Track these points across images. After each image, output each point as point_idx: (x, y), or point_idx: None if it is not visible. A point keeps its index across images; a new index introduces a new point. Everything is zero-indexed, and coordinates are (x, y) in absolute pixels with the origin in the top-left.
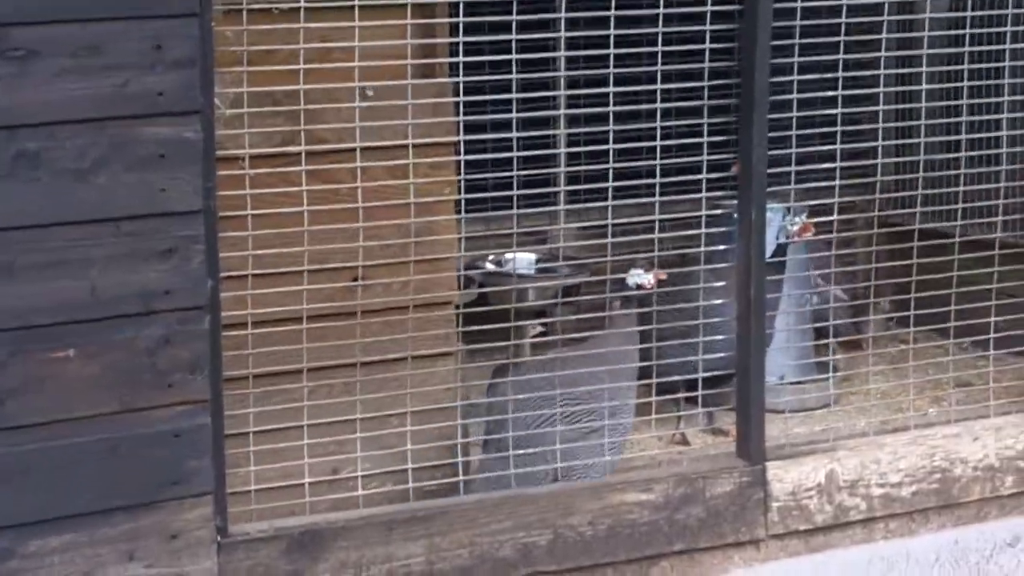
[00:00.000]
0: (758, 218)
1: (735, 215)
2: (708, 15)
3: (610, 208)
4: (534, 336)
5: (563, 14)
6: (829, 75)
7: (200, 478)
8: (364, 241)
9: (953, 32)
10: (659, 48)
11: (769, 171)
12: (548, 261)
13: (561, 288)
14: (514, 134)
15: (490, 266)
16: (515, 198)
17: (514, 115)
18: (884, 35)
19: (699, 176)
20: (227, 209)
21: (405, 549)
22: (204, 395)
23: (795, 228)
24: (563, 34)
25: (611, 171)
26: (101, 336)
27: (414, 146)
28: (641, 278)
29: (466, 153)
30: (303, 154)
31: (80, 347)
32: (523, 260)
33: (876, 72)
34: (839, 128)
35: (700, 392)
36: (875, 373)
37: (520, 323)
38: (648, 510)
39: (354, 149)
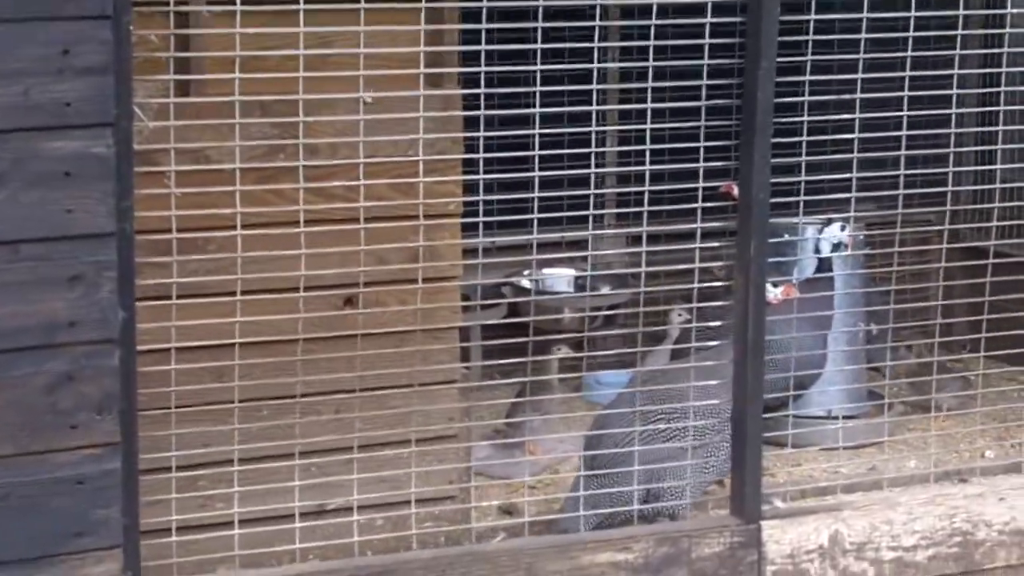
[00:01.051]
0: (757, 252)
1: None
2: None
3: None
4: (560, 358)
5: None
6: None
7: (107, 529)
8: (361, 259)
9: None
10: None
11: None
12: (587, 278)
13: (604, 307)
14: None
15: (524, 282)
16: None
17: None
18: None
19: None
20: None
21: None
22: (113, 437)
23: (837, 240)
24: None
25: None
26: None
27: (417, 160)
28: (769, 293)
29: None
30: (236, 171)
31: None
32: (561, 276)
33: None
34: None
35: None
36: (936, 408)
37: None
38: (625, 572)
39: (351, 162)
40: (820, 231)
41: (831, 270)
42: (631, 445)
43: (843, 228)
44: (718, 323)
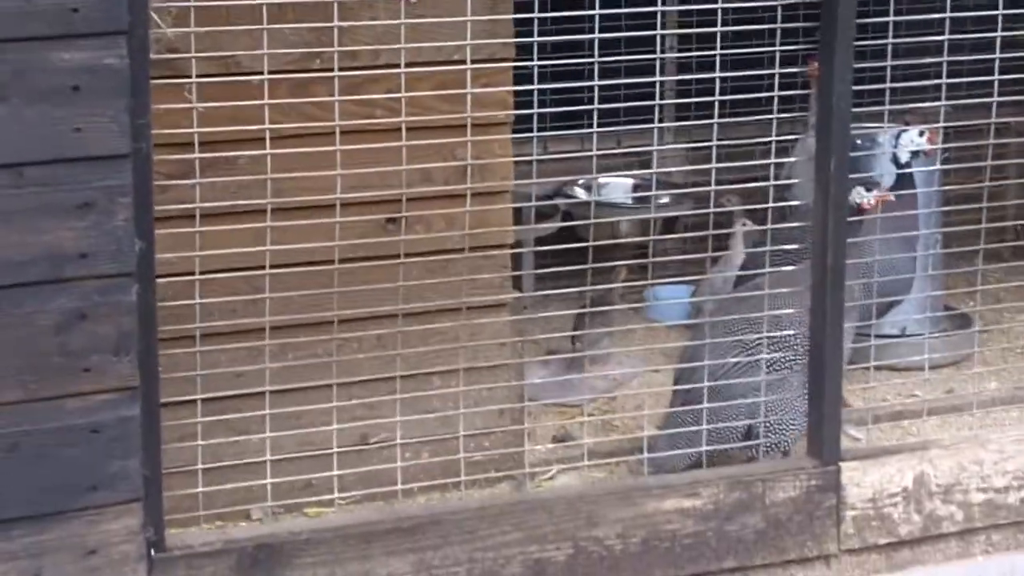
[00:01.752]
0: (838, 167)
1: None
2: None
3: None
4: (623, 279)
5: None
6: None
7: (126, 482)
8: (403, 177)
9: None
10: None
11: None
12: (646, 187)
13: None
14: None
15: (580, 193)
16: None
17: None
18: None
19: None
20: None
21: (387, 566)
22: (131, 381)
23: (915, 146)
24: None
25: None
26: None
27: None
28: (862, 197)
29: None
30: (265, 83)
31: None
32: (618, 187)
33: None
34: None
35: None
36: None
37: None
38: (693, 519)
39: (392, 67)
40: (896, 138)
41: (913, 185)
42: (727, 377)
43: (922, 134)
44: (792, 246)
